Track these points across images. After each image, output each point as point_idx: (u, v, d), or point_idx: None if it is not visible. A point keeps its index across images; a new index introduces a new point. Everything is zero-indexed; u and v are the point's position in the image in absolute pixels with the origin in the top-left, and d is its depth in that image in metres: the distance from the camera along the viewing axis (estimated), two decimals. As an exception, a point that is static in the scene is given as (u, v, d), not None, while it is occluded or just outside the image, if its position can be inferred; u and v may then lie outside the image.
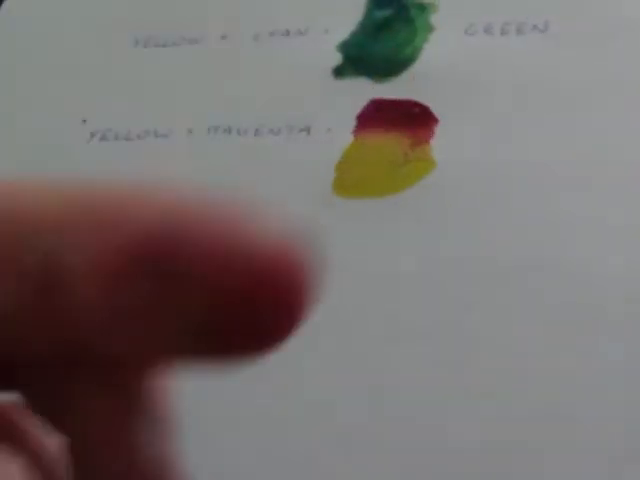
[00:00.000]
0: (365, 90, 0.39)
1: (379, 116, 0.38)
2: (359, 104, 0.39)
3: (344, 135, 0.38)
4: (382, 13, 0.42)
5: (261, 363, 0.13)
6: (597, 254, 0.33)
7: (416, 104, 0.38)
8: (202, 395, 0.29)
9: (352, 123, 0.39)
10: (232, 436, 0.32)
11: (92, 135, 0.41)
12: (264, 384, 0.32)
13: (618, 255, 0.33)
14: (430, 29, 0.40)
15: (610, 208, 0.34)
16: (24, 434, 0.17)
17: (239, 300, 0.13)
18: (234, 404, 0.33)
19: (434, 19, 0.41)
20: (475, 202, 0.35)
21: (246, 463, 0.32)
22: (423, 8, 0.41)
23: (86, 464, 0.15)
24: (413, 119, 0.38)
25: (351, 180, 0.37)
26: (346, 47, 0.41)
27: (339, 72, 0.40)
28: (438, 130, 0.37)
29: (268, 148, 0.39)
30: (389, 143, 0.38)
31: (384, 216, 0.36)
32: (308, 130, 0.39)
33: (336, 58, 0.41)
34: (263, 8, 0.43)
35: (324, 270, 0.14)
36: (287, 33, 0.42)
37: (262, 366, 0.14)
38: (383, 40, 0.41)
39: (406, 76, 0.39)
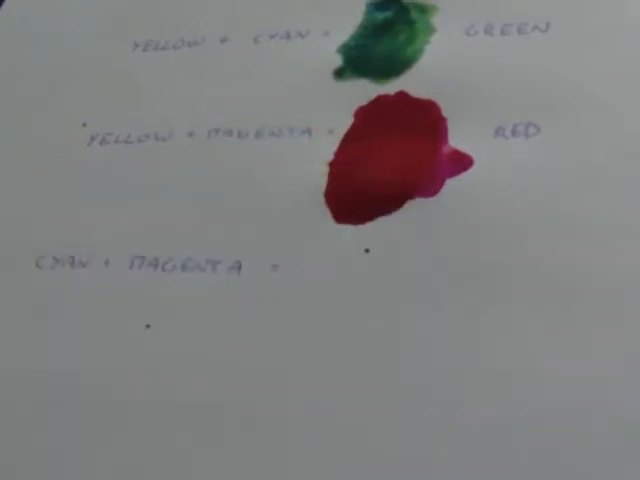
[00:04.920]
0: (366, 91, 0.39)
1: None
2: (360, 105, 0.39)
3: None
4: (382, 15, 0.42)
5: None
6: (614, 254, 0.33)
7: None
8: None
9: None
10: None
11: (92, 138, 0.41)
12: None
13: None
14: (431, 30, 0.40)
15: (616, 208, 0.34)
16: None
17: None
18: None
19: (434, 20, 0.41)
20: (479, 204, 0.35)
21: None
22: (423, 9, 0.41)
23: None
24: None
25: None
26: (346, 49, 0.41)
27: (340, 74, 0.40)
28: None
29: (269, 150, 0.39)
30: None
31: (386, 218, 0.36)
32: (309, 132, 0.39)
33: (336, 60, 0.41)
34: (263, 11, 0.43)
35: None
36: (287, 35, 0.42)
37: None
38: (383, 42, 0.41)
39: (407, 77, 0.39)
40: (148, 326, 0.36)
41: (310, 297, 0.35)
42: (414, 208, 0.36)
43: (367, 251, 0.35)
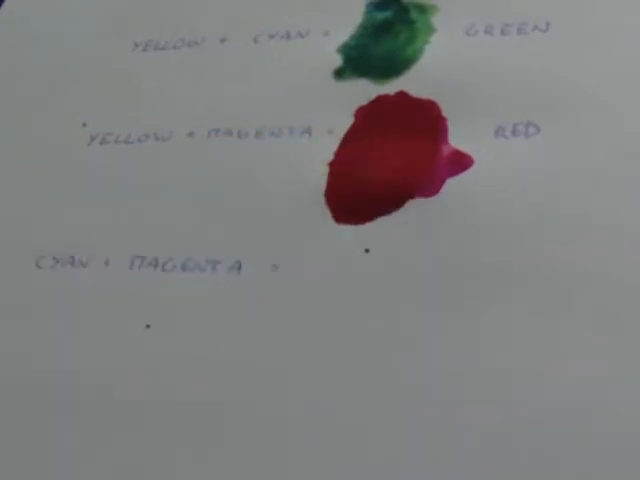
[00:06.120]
0: (366, 91, 0.39)
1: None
2: (360, 105, 0.39)
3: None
4: (382, 15, 0.42)
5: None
6: (614, 254, 0.33)
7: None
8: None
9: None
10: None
11: (92, 138, 0.41)
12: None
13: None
14: (431, 30, 0.40)
15: (616, 208, 0.34)
16: None
17: None
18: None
19: (434, 20, 0.41)
20: (479, 204, 0.35)
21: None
22: (423, 9, 0.41)
23: None
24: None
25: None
26: (346, 49, 0.41)
27: (340, 74, 0.40)
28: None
29: (269, 150, 0.39)
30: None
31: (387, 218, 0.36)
32: (309, 132, 0.39)
33: (337, 60, 0.41)
34: (263, 11, 0.43)
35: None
36: (287, 35, 0.42)
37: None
38: (383, 42, 0.41)
39: (407, 77, 0.39)
40: (148, 326, 0.36)
41: (310, 297, 0.35)
42: (414, 208, 0.36)
43: (367, 251, 0.35)
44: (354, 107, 0.39)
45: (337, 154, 0.38)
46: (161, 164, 0.40)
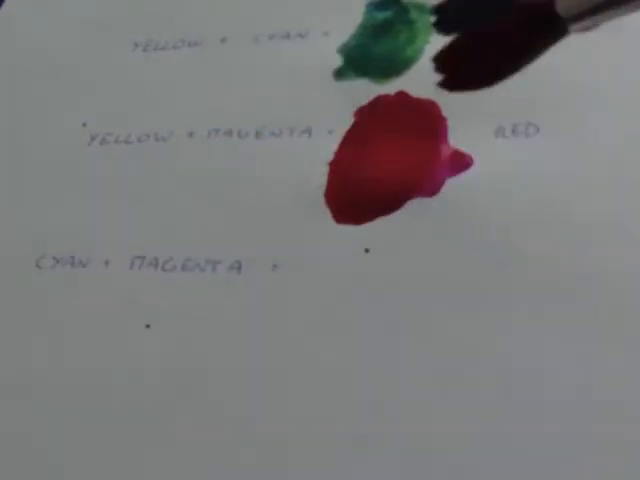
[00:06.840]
0: (366, 91, 0.39)
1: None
2: (360, 105, 0.39)
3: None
4: (382, 15, 0.42)
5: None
6: (614, 254, 0.33)
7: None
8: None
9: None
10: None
11: (92, 138, 0.41)
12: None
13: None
14: (431, 30, 0.40)
15: (617, 208, 0.34)
16: None
17: None
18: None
19: (434, 20, 0.41)
20: (479, 204, 0.35)
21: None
22: (423, 9, 0.41)
23: None
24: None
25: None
26: (346, 49, 0.41)
27: (340, 74, 0.40)
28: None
29: (269, 150, 0.39)
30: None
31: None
32: (309, 132, 0.39)
33: (336, 60, 0.41)
34: (263, 11, 0.43)
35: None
36: (287, 35, 0.42)
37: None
38: (383, 42, 0.41)
39: (407, 77, 0.39)
40: (148, 326, 0.36)
41: (310, 297, 0.35)
42: (414, 208, 0.36)
43: (367, 251, 0.35)
44: (354, 107, 0.39)
45: (337, 154, 0.38)
46: (161, 164, 0.40)
